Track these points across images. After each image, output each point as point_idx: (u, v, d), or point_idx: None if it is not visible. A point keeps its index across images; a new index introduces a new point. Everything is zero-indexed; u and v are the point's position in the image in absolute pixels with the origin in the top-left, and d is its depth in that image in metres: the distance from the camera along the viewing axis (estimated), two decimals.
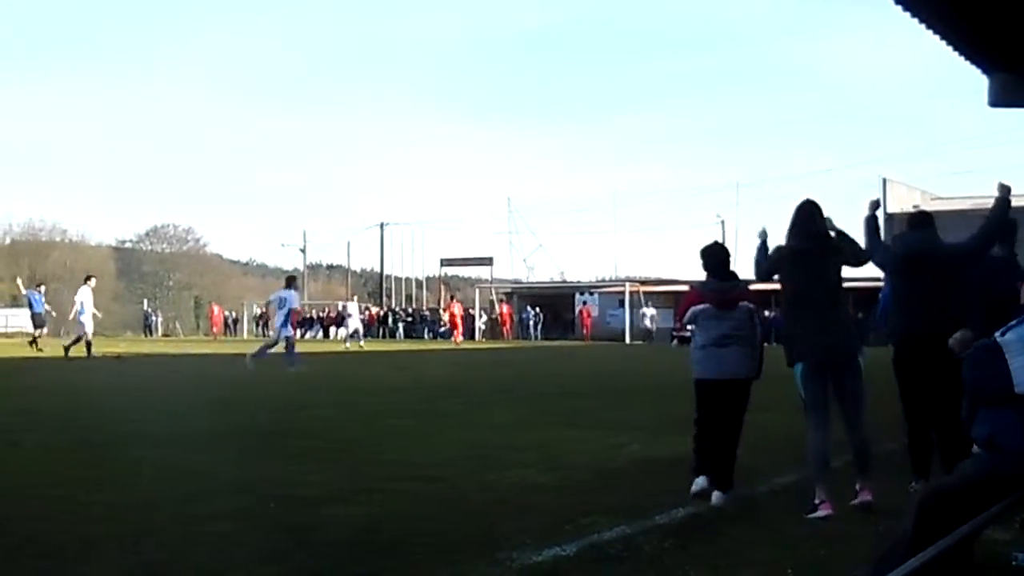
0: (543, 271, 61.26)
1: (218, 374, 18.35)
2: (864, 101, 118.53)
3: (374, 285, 70.86)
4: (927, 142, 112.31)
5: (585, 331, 46.30)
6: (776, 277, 5.85)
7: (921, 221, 6.50)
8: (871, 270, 6.90)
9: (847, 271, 5.91)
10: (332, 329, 53.89)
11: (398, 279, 65.80)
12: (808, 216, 5.73)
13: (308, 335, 48.86)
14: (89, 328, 22.27)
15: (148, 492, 5.94)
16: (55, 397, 12.55)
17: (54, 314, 28.35)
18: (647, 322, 43.95)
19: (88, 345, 22.04)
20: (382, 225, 63.57)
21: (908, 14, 10.78)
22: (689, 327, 6.11)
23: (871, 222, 6.73)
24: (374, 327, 50.97)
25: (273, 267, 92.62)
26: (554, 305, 49.91)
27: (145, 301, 54.73)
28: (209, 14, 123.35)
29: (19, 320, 49.66)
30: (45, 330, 25.96)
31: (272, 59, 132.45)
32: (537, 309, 48.86)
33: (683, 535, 4.88)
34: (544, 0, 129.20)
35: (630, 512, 5.29)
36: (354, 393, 13.77)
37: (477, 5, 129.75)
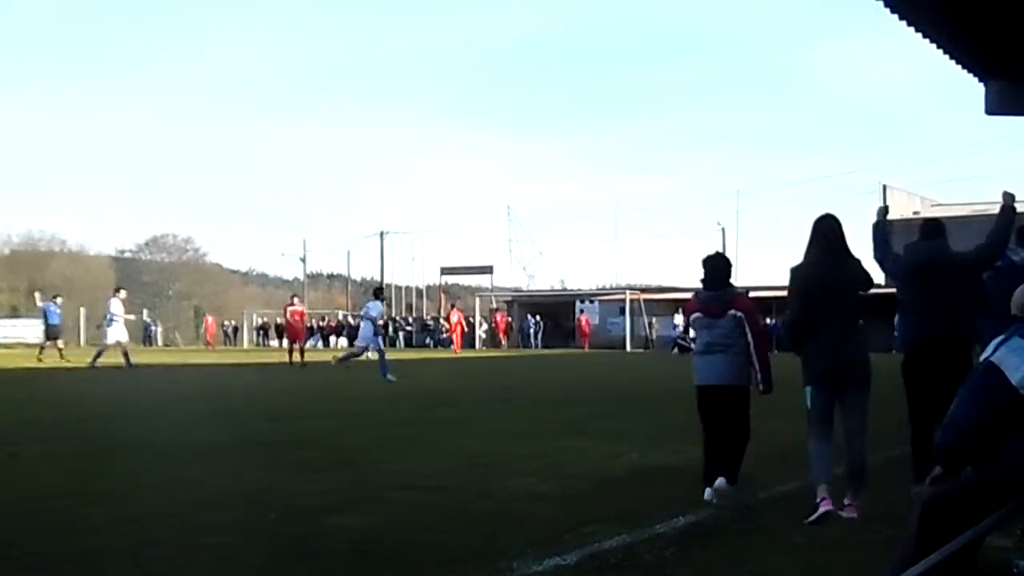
0: (543, 279, 61.43)
1: (218, 384, 18.34)
2: (864, 108, 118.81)
3: None
4: (927, 149, 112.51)
5: (583, 340, 46.20)
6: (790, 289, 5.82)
7: (932, 231, 6.54)
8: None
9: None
10: (332, 338, 53.88)
11: (398, 288, 65.78)
12: (830, 233, 5.66)
13: (308, 344, 48.76)
14: (124, 337, 22.58)
15: (148, 503, 5.93)
16: (54, 408, 12.53)
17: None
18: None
19: (125, 354, 22.34)
20: (382, 234, 63.59)
21: (904, 23, 10.82)
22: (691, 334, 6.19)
23: (880, 229, 6.75)
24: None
25: (273, 276, 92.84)
26: (555, 313, 49.88)
27: (145, 311, 54.62)
28: (210, 25, 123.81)
29: (19, 331, 49.80)
30: (61, 342, 26.04)
31: (272, 69, 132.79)
32: (537, 317, 48.84)
33: (683, 543, 4.87)
34: (544, 8, 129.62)
35: (630, 521, 5.28)
36: (354, 402, 13.77)
37: (477, 14, 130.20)
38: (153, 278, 74.86)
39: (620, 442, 8.74)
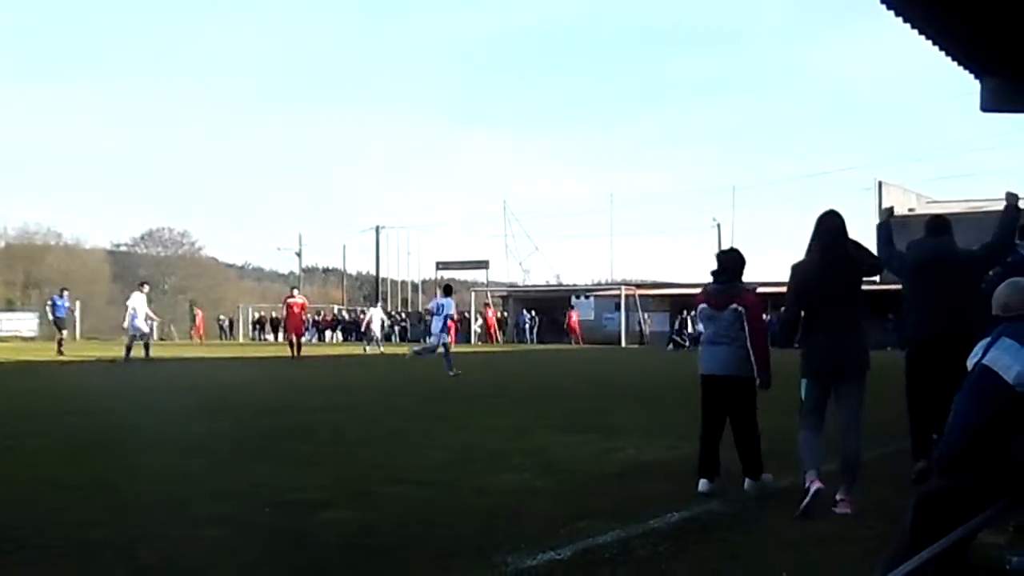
0: (539, 274, 61.27)
1: (215, 378, 18.33)
2: (860, 105, 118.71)
3: (370, 288, 70.83)
4: (923, 145, 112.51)
5: (573, 336, 45.54)
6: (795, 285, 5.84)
7: (937, 228, 6.56)
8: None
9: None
10: (328, 332, 53.87)
11: (394, 282, 65.80)
12: (833, 230, 5.68)
13: (304, 339, 48.74)
14: (147, 329, 22.85)
15: (144, 496, 5.93)
16: (52, 401, 12.53)
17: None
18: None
19: (146, 347, 22.74)
20: (377, 228, 63.60)
21: (900, 19, 10.84)
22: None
23: (884, 229, 6.77)
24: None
25: (269, 270, 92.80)
26: (550, 309, 49.87)
27: None
28: (206, 18, 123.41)
29: (14, 324, 49.74)
30: (66, 333, 26.03)
31: (268, 63, 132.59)
32: (533, 313, 48.81)
33: (678, 539, 4.89)
34: (540, 4, 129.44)
35: (625, 516, 5.29)
36: (349, 396, 13.77)
37: (474, 10, 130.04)
38: (149, 272, 74.51)
39: (615, 437, 8.75)
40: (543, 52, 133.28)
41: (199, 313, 53.61)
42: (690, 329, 41.13)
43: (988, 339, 3.68)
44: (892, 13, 10.64)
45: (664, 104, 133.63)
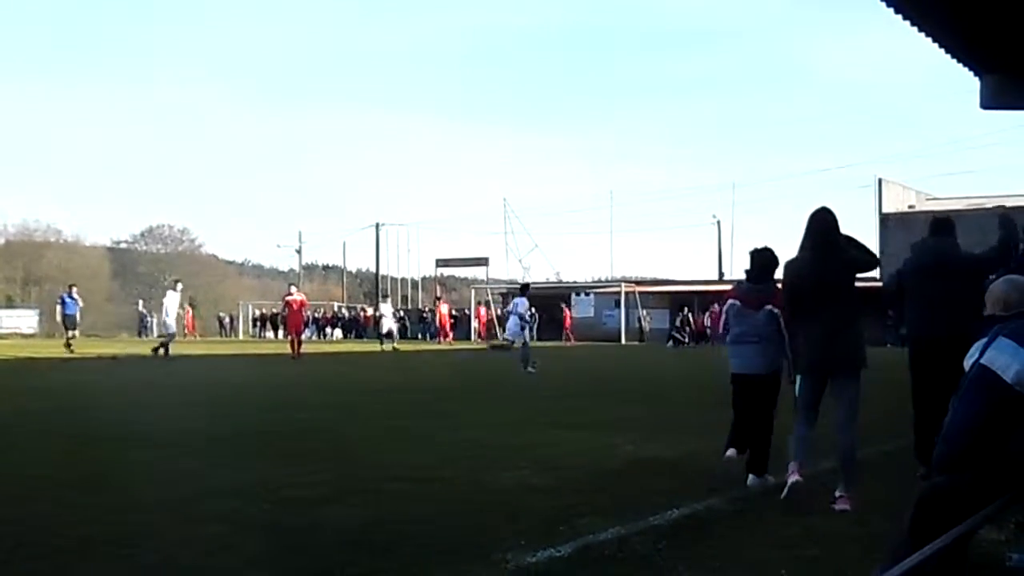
0: (539, 271, 61.17)
1: (215, 375, 18.33)
2: (860, 102, 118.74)
3: (370, 286, 70.83)
4: (923, 142, 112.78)
5: (567, 333, 44.26)
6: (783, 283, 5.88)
7: (939, 228, 6.59)
8: None
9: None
10: (328, 329, 53.85)
11: (394, 280, 65.77)
12: (824, 227, 5.68)
13: (304, 335, 48.76)
14: (173, 329, 23.20)
15: (144, 494, 5.93)
16: (52, 398, 12.53)
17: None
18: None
19: (165, 345, 23.02)
20: (377, 225, 63.53)
21: (900, 16, 10.84)
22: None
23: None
24: (369, 328, 50.98)
25: (269, 267, 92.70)
26: (550, 306, 49.83)
27: (140, 302, 54.57)
28: (206, 15, 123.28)
29: (14, 321, 49.72)
30: (77, 332, 26.00)
31: (268, 60, 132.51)
32: (533, 310, 48.66)
33: (677, 535, 4.89)
34: (541, 2, 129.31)
35: (624, 513, 5.30)
36: (348, 394, 13.78)
37: (473, 6, 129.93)
38: (148, 269, 74.73)
39: (614, 434, 8.76)
40: (543, 50, 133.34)
41: (188, 309, 53.59)
42: (692, 325, 41.17)
43: (985, 339, 3.68)
44: (892, 11, 10.64)
45: (664, 101, 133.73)
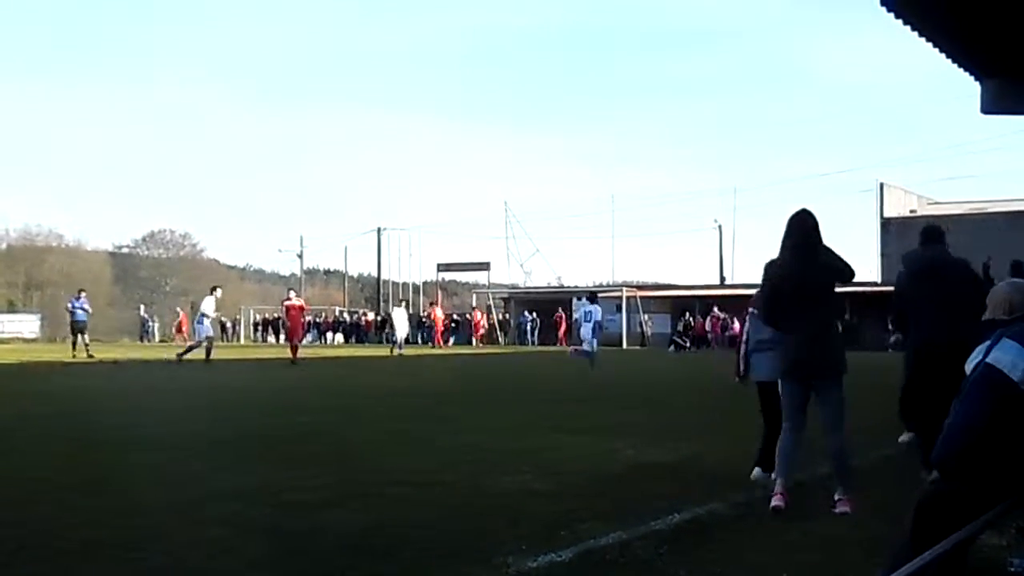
0: (540, 276, 61.24)
1: (217, 380, 18.32)
2: (862, 106, 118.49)
3: (371, 290, 70.80)
4: (924, 147, 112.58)
5: (560, 337, 43.94)
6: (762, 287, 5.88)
7: (929, 238, 6.63)
8: None
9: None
10: (329, 334, 53.84)
11: (395, 284, 65.74)
12: (804, 228, 5.64)
13: (306, 340, 48.81)
14: (208, 332, 23.15)
15: (146, 497, 5.94)
16: (53, 402, 12.54)
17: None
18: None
19: (189, 349, 23.29)
20: (379, 230, 63.50)
21: (900, 21, 10.85)
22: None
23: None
24: (371, 333, 51.02)
25: (270, 272, 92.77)
26: (551, 310, 49.86)
27: (141, 306, 54.64)
28: (206, 15, 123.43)
29: (16, 326, 49.78)
30: (87, 337, 25.99)
31: (270, 63, 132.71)
32: (534, 314, 48.75)
33: (678, 540, 4.89)
34: (541, 3, 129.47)
35: (625, 517, 5.30)
36: (350, 397, 13.78)
37: (473, 6, 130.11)
38: (150, 273, 74.83)
39: (615, 439, 8.76)
40: (543, 50, 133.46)
41: (182, 313, 53.53)
42: (694, 330, 41.12)
43: (987, 343, 3.67)
44: (893, 16, 10.65)
45: (664, 102, 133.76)
